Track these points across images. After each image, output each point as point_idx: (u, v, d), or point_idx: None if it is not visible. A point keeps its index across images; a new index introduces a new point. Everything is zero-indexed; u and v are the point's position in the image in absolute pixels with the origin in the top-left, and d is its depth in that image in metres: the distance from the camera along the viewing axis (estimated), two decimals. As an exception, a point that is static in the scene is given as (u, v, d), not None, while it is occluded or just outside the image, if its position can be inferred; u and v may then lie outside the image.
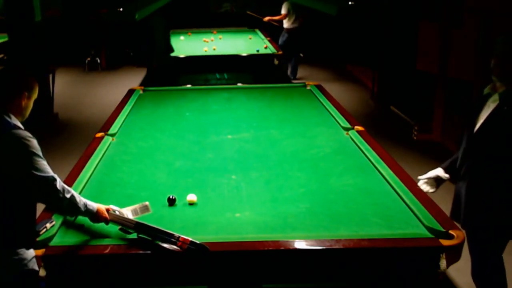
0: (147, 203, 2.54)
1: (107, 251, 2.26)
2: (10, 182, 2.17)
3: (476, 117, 2.76)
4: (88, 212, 2.35)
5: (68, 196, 2.25)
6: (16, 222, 2.23)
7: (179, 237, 2.21)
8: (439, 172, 2.97)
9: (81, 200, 2.32)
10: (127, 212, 2.45)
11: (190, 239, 2.20)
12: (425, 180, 2.98)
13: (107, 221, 2.41)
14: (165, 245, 2.23)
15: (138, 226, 2.32)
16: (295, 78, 9.45)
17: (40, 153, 2.24)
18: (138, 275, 2.30)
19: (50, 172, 2.23)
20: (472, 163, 2.75)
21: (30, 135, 2.24)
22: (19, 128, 2.24)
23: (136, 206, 2.52)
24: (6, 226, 2.21)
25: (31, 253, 2.25)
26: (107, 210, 2.43)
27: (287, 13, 9.30)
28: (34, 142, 2.23)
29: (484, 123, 2.70)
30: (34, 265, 2.25)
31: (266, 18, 9.70)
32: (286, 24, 9.38)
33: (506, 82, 2.64)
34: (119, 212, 2.44)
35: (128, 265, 2.29)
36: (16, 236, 2.23)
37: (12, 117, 2.27)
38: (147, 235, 2.29)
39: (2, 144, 2.17)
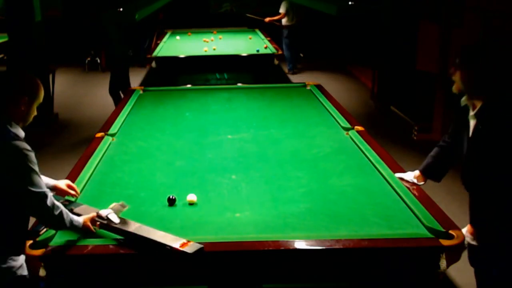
0: (122, 202, 2.55)
1: (107, 251, 2.26)
2: (3, 191, 2.17)
3: (463, 133, 2.59)
4: (74, 227, 2.35)
5: (56, 213, 2.25)
6: (6, 230, 2.23)
7: (171, 247, 2.18)
8: (410, 177, 2.93)
9: (68, 216, 2.32)
10: (114, 216, 2.41)
11: (182, 249, 2.16)
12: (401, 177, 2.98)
13: (93, 233, 2.41)
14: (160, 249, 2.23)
15: (129, 236, 2.31)
16: (293, 70, 9.94)
17: (36, 168, 2.23)
18: (138, 275, 2.30)
19: (43, 188, 2.23)
20: (471, 179, 2.58)
21: (28, 147, 2.22)
22: (18, 139, 2.21)
23: (117, 204, 2.52)
24: None
25: (21, 259, 2.26)
26: (92, 219, 2.42)
27: (286, 12, 9.53)
28: (32, 156, 2.22)
29: (469, 143, 2.53)
30: (23, 271, 2.26)
31: (267, 19, 10.04)
32: (284, 21, 9.82)
33: (476, 95, 2.46)
34: (106, 216, 2.40)
35: (127, 265, 2.29)
36: (6, 244, 2.23)
37: (14, 124, 2.25)
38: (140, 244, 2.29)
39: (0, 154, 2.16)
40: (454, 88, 2.51)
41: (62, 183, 2.68)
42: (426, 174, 2.93)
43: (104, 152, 3.50)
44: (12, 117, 2.26)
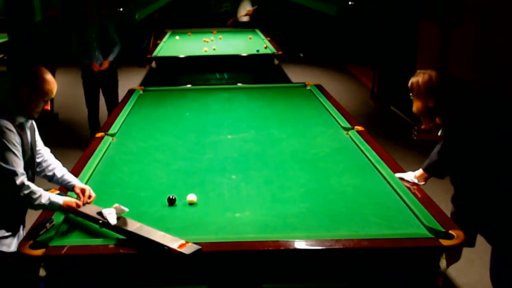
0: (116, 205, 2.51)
1: (107, 251, 2.26)
2: None
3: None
4: (53, 207, 2.45)
5: (23, 193, 2.35)
6: None
7: (169, 248, 2.18)
8: (410, 177, 2.96)
9: (43, 197, 2.40)
10: (114, 216, 2.40)
11: (180, 250, 2.16)
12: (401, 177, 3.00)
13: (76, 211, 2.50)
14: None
15: (129, 235, 2.32)
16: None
17: (13, 147, 2.35)
18: (138, 275, 2.30)
19: (15, 166, 2.34)
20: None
21: (9, 127, 2.36)
22: (5, 118, 2.36)
23: (119, 206, 2.50)
24: None
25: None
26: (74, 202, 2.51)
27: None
28: (9, 134, 2.34)
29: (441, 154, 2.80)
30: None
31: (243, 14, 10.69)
32: (245, 19, 10.59)
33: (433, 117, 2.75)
34: (106, 216, 2.41)
35: (127, 265, 2.29)
36: None
37: (16, 110, 2.41)
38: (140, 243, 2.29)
39: None
40: (414, 109, 2.82)
41: (80, 187, 2.67)
42: (429, 171, 2.94)
43: (104, 152, 3.50)
44: (16, 104, 2.43)
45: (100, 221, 2.41)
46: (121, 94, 5.27)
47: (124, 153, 3.56)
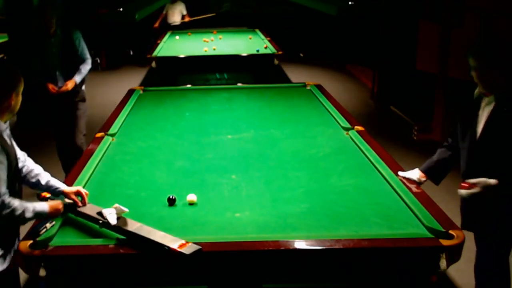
0: (116, 205, 2.50)
1: (107, 251, 2.26)
2: None
3: (474, 122, 2.71)
4: (39, 216, 2.39)
5: (6, 211, 2.26)
6: None
7: (169, 248, 2.18)
8: (415, 176, 2.95)
9: (25, 214, 2.31)
10: (114, 217, 2.41)
11: (180, 250, 2.16)
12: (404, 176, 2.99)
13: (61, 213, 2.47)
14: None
15: (129, 235, 2.32)
16: None
17: None
18: (138, 275, 2.30)
19: None
20: (480, 168, 2.66)
21: None
22: None
23: (119, 206, 2.50)
24: None
25: None
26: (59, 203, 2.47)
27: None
28: None
29: (485, 128, 2.64)
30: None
31: (188, 19, 10.75)
32: (178, 22, 10.60)
33: (492, 89, 2.63)
34: (106, 216, 2.41)
35: (128, 265, 2.29)
36: None
37: None
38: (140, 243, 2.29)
39: None
40: (484, 88, 2.66)
41: (72, 190, 2.62)
42: (427, 173, 2.94)
43: (104, 152, 3.50)
44: (6, 112, 2.36)
45: (100, 221, 2.42)
46: (121, 94, 5.27)
47: (124, 153, 3.56)
